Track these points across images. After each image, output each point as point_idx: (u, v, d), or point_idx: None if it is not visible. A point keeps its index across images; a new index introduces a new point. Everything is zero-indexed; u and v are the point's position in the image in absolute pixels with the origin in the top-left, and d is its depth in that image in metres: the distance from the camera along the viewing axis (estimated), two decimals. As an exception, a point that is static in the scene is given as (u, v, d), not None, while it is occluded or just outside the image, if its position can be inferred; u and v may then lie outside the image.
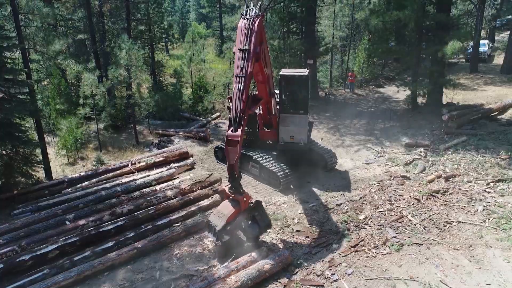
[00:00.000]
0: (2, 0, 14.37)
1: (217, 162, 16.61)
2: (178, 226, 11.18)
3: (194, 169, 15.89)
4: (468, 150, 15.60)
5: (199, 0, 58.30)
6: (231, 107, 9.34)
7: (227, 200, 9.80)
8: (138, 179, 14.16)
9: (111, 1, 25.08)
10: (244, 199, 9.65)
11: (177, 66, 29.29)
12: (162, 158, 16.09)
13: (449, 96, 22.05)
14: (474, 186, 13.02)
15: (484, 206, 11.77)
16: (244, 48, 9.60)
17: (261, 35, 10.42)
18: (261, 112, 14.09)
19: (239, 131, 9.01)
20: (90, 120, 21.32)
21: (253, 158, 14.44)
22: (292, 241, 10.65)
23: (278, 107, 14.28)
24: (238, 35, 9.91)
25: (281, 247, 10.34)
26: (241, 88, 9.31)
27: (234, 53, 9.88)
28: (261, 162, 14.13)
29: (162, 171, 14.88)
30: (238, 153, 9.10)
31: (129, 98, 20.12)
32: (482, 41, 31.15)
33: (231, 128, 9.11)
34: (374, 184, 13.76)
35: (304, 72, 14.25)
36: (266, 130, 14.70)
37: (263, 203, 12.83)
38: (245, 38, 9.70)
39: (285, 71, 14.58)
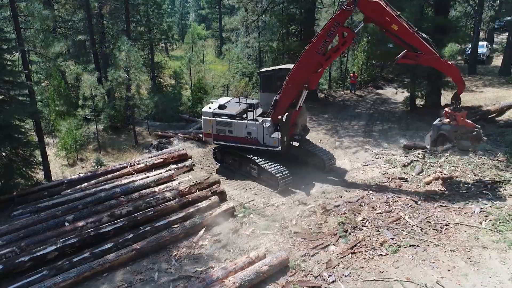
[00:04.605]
0: (2, 2, 14.46)
1: (216, 163, 16.66)
2: (177, 227, 11.23)
3: (193, 171, 15.95)
4: (465, 152, 15.65)
5: (198, 1, 58.42)
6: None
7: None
8: (137, 181, 14.21)
9: (110, 2, 25.15)
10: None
11: (177, 68, 29.36)
12: (161, 160, 16.16)
13: (447, 97, 22.09)
14: (471, 188, 13.08)
15: (481, 208, 11.83)
16: None
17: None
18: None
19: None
20: (90, 121, 21.41)
21: (252, 160, 14.51)
22: (290, 243, 10.71)
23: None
24: None
25: (279, 249, 10.40)
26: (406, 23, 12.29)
27: None
28: (259, 163, 14.20)
29: (161, 173, 14.93)
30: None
31: (129, 100, 20.19)
32: (480, 43, 31.24)
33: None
34: (372, 185, 13.82)
35: None
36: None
37: (263, 205, 12.96)
38: None
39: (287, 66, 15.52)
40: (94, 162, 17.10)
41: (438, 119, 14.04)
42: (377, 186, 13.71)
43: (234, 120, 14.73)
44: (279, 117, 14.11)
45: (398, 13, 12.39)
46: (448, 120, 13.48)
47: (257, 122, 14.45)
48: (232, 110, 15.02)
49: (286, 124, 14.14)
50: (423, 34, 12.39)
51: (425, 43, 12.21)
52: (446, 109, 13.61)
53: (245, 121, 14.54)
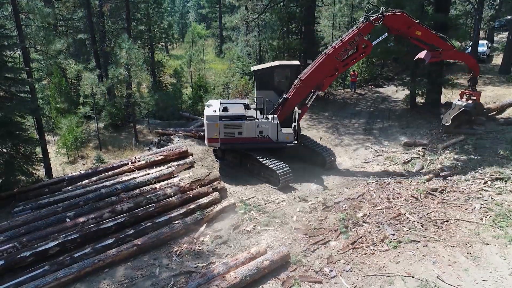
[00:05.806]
0: (3, -1, 14.49)
1: (216, 160, 16.68)
2: (178, 223, 11.25)
3: (193, 168, 15.95)
4: (466, 149, 15.69)
5: (199, 0, 58.46)
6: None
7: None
8: (138, 178, 14.22)
9: (111, 1, 25.17)
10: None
11: (177, 66, 29.40)
12: (161, 157, 16.16)
13: (447, 95, 22.14)
14: (471, 184, 13.10)
15: (482, 204, 11.85)
16: None
17: None
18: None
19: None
20: (90, 119, 21.43)
21: (253, 157, 14.52)
22: (291, 238, 10.72)
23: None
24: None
25: (280, 244, 10.41)
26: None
27: None
28: (261, 160, 14.20)
29: (161, 170, 14.94)
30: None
31: (129, 97, 20.21)
32: (481, 42, 31.21)
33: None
34: (373, 182, 13.84)
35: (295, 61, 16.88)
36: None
37: (263, 201, 13.00)
38: None
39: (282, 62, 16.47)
40: (95, 159, 17.13)
41: (457, 99, 17.44)
42: (377, 183, 13.73)
43: (245, 121, 14.32)
44: (297, 110, 14.39)
45: (417, 20, 13.82)
46: (465, 99, 17.05)
47: (268, 120, 14.38)
48: (237, 111, 14.79)
49: (298, 119, 14.40)
50: (440, 34, 14.31)
51: (442, 41, 14.39)
52: (463, 90, 17.33)
53: (256, 120, 14.34)
